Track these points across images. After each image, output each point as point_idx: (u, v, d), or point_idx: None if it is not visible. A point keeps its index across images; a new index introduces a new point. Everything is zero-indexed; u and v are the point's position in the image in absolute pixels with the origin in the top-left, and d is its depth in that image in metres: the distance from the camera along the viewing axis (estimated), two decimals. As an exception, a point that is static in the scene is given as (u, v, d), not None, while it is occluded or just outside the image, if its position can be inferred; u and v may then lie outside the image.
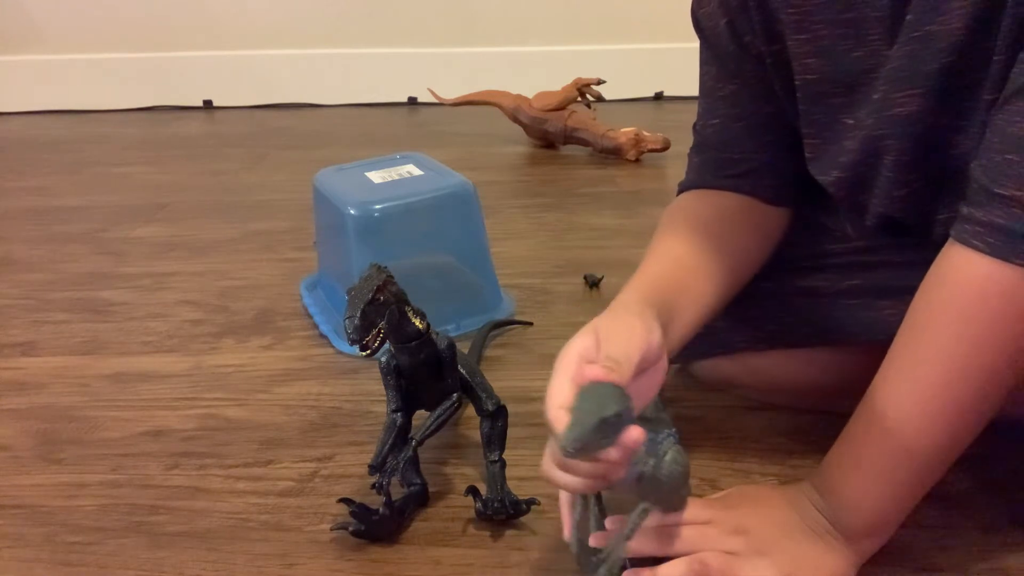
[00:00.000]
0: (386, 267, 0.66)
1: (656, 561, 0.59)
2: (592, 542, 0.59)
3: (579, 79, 1.81)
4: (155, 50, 2.24)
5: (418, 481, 0.73)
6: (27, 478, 0.79)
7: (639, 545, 0.60)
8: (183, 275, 1.24)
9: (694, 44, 0.76)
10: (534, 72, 2.00)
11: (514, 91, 1.87)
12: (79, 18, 2.20)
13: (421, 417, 0.72)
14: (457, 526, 0.71)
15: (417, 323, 0.68)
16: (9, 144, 2.03)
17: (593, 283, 1.15)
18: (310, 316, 1.09)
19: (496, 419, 0.73)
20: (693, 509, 0.61)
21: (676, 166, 1.66)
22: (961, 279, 0.56)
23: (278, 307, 1.13)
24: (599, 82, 1.80)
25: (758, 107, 0.73)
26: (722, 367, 0.83)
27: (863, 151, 0.66)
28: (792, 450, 0.78)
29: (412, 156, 1.12)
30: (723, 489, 0.69)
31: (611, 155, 1.76)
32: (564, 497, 0.61)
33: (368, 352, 0.63)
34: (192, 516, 0.73)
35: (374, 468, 0.68)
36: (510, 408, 0.74)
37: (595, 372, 0.51)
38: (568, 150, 1.83)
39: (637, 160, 1.74)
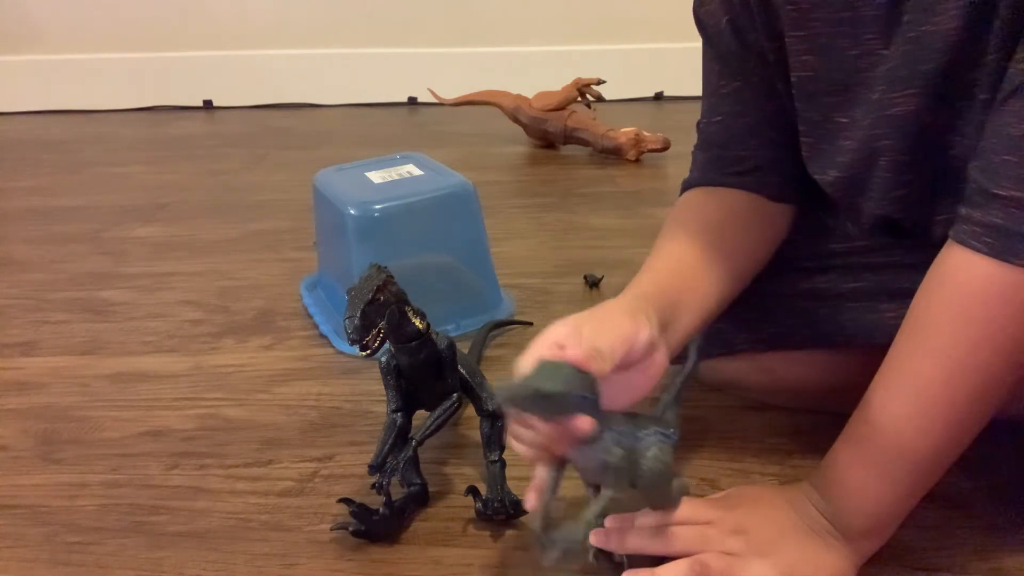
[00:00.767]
0: (386, 267, 0.66)
1: (656, 561, 0.59)
2: (542, 525, 0.56)
3: (579, 79, 1.81)
4: (155, 50, 2.24)
5: (418, 481, 0.73)
6: (27, 478, 0.79)
7: (639, 545, 0.61)
8: (183, 275, 1.24)
9: (694, 44, 0.76)
10: (534, 72, 2.00)
11: (514, 91, 1.87)
12: (79, 18, 2.20)
13: (421, 417, 0.72)
14: (457, 526, 0.71)
15: (417, 323, 0.68)
16: (9, 144, 2.03)
17: (593, 283, 1.15)
18: (310, 316, 1.09)
19: (496, 419, 0.73)
20: (693, 509, 0.61)
21: (676, 166, 1.67)
22: (960, 280, 0.56)
23: (278, 307, 1.13)
24: (599, 82, 1.80)
25: (761, 105, 0.73)
26: (723, 367, 0.83)
27: (860, 151, 0.66)
28: (792, 450, 0.78)
29: (412, 156, 1.12)
30: (723, 489, 0.69)
31: (611, 155, 1.76)
32: (538, 477, 0.59)
33: (368, 352, 0.63)
34: (192, 516, 0.73)
35: (374, 468, 0.68)
36: (510, 408, 0.74)
37: (575, 355, 0.51)
38: (568, 150, 1.83)
39: (637, 160, 1.74)
